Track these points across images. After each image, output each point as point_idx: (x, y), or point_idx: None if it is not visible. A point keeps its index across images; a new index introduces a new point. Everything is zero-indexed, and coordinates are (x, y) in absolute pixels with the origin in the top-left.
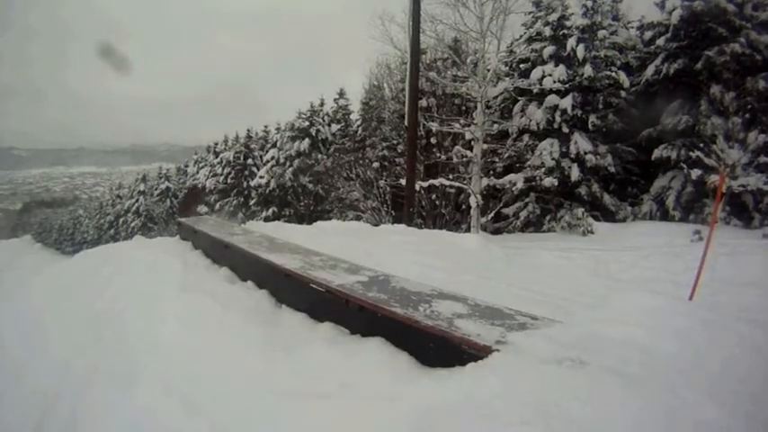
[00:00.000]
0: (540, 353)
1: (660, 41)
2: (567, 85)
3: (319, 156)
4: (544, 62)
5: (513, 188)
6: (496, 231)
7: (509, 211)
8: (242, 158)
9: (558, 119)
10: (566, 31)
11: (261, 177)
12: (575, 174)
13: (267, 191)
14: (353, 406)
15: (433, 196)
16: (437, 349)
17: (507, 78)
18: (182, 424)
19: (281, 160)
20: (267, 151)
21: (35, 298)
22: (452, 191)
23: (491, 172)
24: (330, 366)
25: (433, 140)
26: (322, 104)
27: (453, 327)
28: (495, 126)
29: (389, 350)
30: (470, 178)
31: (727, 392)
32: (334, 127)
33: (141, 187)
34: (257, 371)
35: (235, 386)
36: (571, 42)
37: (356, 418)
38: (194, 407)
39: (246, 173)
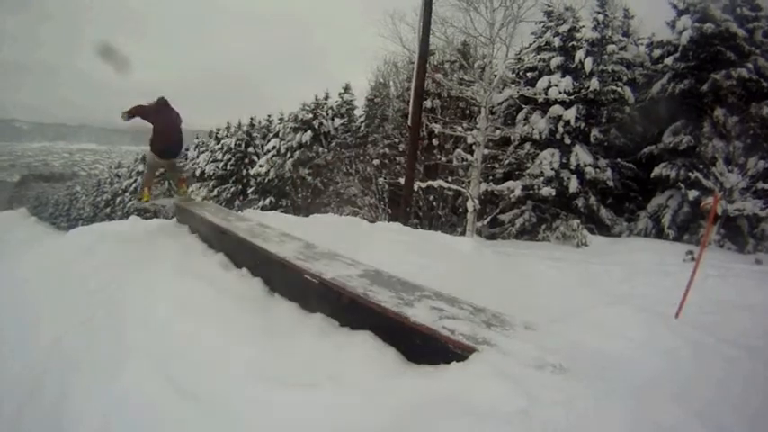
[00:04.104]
0: (523, 356)
1: (668, 60)
2: (572, 97)
3: (320, 149)
4: (551, 72)
5: (511, 195)
6: (491, 237)
7: (505, 217)
8: (243, 146)
9: (560, 129)
10: (575, 43)
11: (261, 166)
12: (573, 185)
13: (266, 180)
14: (341, 398)
15: (431, 197)
16: (424, 346)
17: (513, 85)
18: (170, 406)
19: (282, 151)
20: (269, 141)
21: (28, 273)
22: (450, 193)
23: (490, 177)
24: (319, 357)
25: (434, 142)
26: (326, 98)
27: (441, 326)
28: (498, 132)
29: (377, 344)
30: (469, 182)
31: (717, 414)
32: (337, 121)
33: (140, 167)
34: (247, 357)
35: (224, 370)
36: (579, 54)
37: (343, 410)
38: (183, 389)
39: (246, 161)
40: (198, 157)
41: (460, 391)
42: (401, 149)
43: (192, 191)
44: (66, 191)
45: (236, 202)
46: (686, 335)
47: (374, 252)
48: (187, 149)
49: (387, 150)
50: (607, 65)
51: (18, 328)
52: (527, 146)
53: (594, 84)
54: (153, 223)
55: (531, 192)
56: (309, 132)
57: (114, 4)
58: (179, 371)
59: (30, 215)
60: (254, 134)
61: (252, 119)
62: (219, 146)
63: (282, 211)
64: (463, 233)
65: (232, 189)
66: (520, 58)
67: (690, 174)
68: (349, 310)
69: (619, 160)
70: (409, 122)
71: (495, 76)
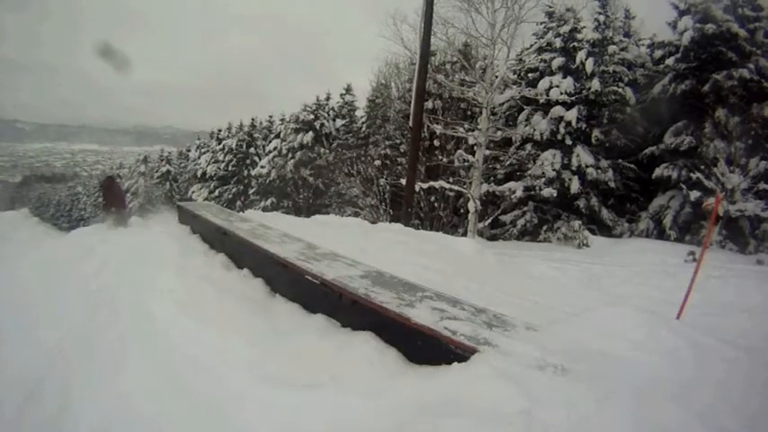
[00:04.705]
0: (524, 357)
1: (669, 61)
2: (573, 98)
3: (322, 150)
4: (552, 73)
5: (513, 196)
6: (493, 237)
7: (507, 218)
8: (244, 147)
9: (561, 130)
10: (576, 44)
11: (262, 167)
12: (574, 186)
13: (267, 181)
14: (342, 399)
15: (432, 198)
16: (425, 347)
17: (514, 86)
18: (170, 406)
19: (284, 151)
20: (270, 141)
21: (29, 273)
22: (452, 194)
23: (491, 178)
24: (320, 358)
25: (436, 143)
26: (328, 99)
27: (442, 326)
28: (499, 133)
29: (378, 345)
30: (470, 183)
31: (717, 415)
32: (339, 122)
33: (142, 168)
34: (248, 357)
35: (225, 371)
36: (581, 55)
37: (344, 411)
38: (184, 389)
39: (248, 161)
40: (199, 158)
41: (462, 392)
42: (402, 150)
43: (194, 191)
44: (67, 191)
45: (238, 203)
46: (687, 336)
47: (375, 253)
48: (188, 150)
49: (388, 151)
50: (608, 65)
51: (18, 328)
52: (528, 147)
53: (596, 84)
54: (154, 224)
55: (532, 193)
56: (311, 133)
57: (114, 4)
58: (179, 371)
59: (31, 216)
60: (256, 135)
61: (253, 119)
62: (221, 147)
63: (284, 212)
64: (464, 234)
65: (233, 190)
66: (521, 59)
67: (691, 174)
68: (350, 310)
69: (620, 161)
70: (410, 123)
71: (497, 76)
